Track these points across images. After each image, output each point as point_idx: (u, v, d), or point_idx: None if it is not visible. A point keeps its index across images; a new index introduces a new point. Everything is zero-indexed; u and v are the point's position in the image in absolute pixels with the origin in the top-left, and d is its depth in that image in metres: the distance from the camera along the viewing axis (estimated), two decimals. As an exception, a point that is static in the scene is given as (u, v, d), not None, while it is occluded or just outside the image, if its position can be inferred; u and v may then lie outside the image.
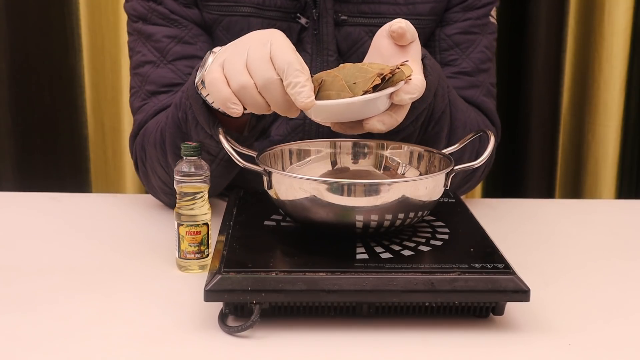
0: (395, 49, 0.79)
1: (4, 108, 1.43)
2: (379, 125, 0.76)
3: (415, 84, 0.75)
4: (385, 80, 0.73)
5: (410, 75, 0.74)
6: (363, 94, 0.72)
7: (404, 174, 0.87)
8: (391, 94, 0.74)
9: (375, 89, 0.73)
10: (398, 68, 0.73)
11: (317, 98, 0.74)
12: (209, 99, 0.80)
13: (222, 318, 0.69)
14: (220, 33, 1.00)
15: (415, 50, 0.80)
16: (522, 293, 0.69)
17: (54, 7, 1.41)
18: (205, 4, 0.99)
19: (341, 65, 0.76)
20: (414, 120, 0.87)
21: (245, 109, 0.76)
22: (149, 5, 0.99)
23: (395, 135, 0.88)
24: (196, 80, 0.81)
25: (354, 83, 0.73)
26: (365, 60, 0.82)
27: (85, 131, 1.48)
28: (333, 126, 0.79)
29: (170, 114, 0.90)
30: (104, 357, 0.65)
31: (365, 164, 0.89)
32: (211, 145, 0.86)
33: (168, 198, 1.01)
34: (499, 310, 0.71)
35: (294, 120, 1.00)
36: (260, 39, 0.74)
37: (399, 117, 0.77)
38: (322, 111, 0.74)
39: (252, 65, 0.73)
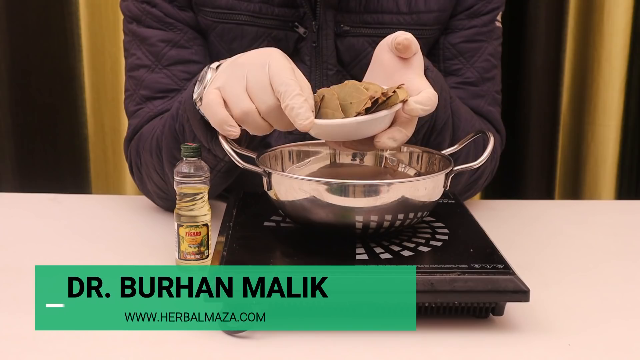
0: (398, 62, 0.77)
1: (4, 108, 1.43)
2: (389, 142, 0.75)
3: (428, 97, 0.74)
4: (379, 103, 0.72)
5: (406, 98, 0.73)
6: (356, 115, 0.72)
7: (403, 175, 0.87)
8: (402, 107, 0.73)
9: (369, 110, 0.72)
10: (394, 91, 0.73)
11: (317, 115, 0.74)
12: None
13: (222, 318, 0.69)
14: (214, 39, 0.99)
15: (418, 62, 0.78)
16: (521, 293, 0.69)
17: (54, 8, 1.41)
18: (200, 8, 0.98)
19: (345, 82, 0.76)
20: (415, 132, 0.87)
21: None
22: (143, 7, 0.98)
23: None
24: (195, 97, 0.80)
25: (350, 103, 0.73)
26: (367, 75, 0.81)
27: (85, 131, 1.47)
28: (344, 144, 0.79)
29: (167, 124, 0.89)
30: (105, 357, 0.65)
31: (364, 165, 0.89)
32: (209, 158, 0.86)
33: (164, 202, 1.01)
34: (498, 310, 0.72)
35: (294, 134, 1.00)
36: (258, 61, 0.74)
37: (409, 132, 0.76)
38: (320, 131, 0.74)
39: (253, 91, 0.73)
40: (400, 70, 0.77)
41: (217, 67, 0.80)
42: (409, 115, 0.74)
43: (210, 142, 0.82)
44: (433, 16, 1.00)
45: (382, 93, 0.72)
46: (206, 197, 0.80)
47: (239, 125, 0.75)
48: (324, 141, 0.90)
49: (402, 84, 0.75)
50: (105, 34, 1.43)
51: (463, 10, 1.02)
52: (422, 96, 0.74)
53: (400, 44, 0.76)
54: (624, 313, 0.76)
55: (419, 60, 0.78)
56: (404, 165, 0.87)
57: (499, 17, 1.05)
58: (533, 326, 0.72)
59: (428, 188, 0.75)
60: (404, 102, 0.73)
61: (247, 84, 0.73)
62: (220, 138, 0.79)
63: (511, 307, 0.73)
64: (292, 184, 0.75)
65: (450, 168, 0.78)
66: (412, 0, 0.98)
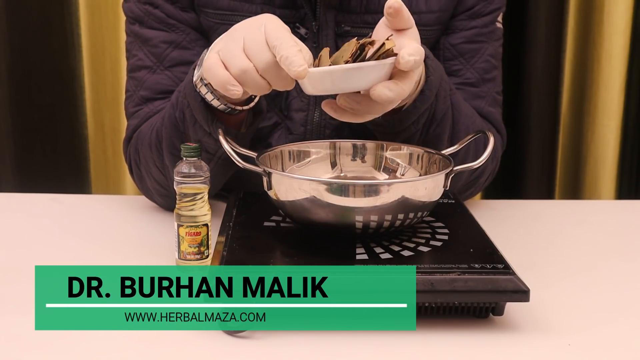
0: (394, 34, 0.77)
1: (4, 108, 1.43)
2: (385, 90, 0.73)
3: (415, 47, 0.74)
4: (367, 52, 0.72)
5: (392, 48, 0.73)
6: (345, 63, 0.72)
7: (403, 174, 0.87)
8: (396, 60, 0.73)
9: (357, 59, 0.72)
10: (383, 43, 0.73)
11: None
12: (208, 96, 0.80)
13: (222, 318, 0.69)
14: (215, 40, 0.99)
15: (413, 33, 0.78)
16: (521, 293, 0.69)
17: (54, 7, 1.41)
18: (202, 9, 0.98)
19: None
20: (415, 121, 0.87)
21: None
22: (145, 9, 0.98)
23: (397, 136, 0.88)
24: (194, 79, 0.81)
25: (342, 57, 0.73)
26: None
27: (85, 131, 1.47)
28: (338, 99, 0.78)
29: (167, 114, 0.90)
30: (105, 357, 0.65)
31: (364, 165, 0.89)
32: (209, 143, 0.86)
33: (163, 200, 1.01)
34: (498, 310, 0.72)
35: (294, 134, 1.00)
36: (254, 23, 0.75)
37: (406, 86, 0.75)
38: (313, 81, 0.73)
39: (250, 50, 0.74)
40: (395, 39, 0.77)
41: None
42: (404, 68, 0.73)
43: (211, 125, 0.82)
44: (434, 16, 0.99)
45: (370, 42, 0.73)
46: (206, 197, 0.80)
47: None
48: (323, 141, 0.90)
49: (390, 35, 0.76)
50: (105, 34, 1.43)
51: (464, 11, 1.02)
52: (409, 48, 0.73)
53: (390, 7, 0.76)
54: (624, 313, 0.76)
55: (413, 33, 0.78)
56: (404, 166, 0.87)
57: (499, 18, 1.04)
58: (533, 326, 0.72)
59: (428, 188, 0.75)
60: (395, 54, 0.73)
61: (244, 44, 0.74)
62: (220, 137, 0.79)
63: (511, 307, 0.73)
64: (292, 184, 0.75)
65: (450, 168, 0.78)
66: (412, 1, 0.98)
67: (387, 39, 0.74)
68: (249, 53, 0.74)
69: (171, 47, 0.98)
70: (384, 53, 0.73)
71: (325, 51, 0.76)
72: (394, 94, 0.74)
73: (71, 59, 1.43)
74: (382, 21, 0.79)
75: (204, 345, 0.67)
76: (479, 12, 1.02)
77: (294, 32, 0.97)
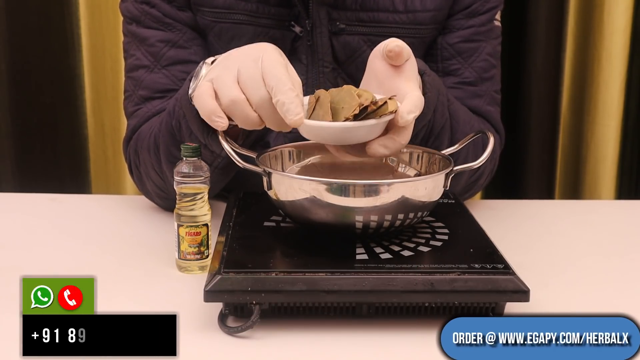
0: (390, 69, 0.77)
1: (4, 108, 1.43)
2: (381, 149, 0.75)
3: (413, 102, 0.74)
4: (368, 111, 0.72)
5: (395, 110, 0.73)
6: (344, 121, 0.73)
7: (403, 175, 0.87)
8: (394, 117, 0.74)
9: (357, 117, 0.72)
10: (385, 102, 0.73)
11: (310, 115, 0.74)
12: None
13: (222, 318, 0.69)
14: (212, 39, 0.99)
15: (410, 68, 0.78)
16: (521, 293, 0.69)
17: (54, 7, 1.41)
18: (198, 8, 0.98)
19: (343, 86, 0.75)
20: (413, 137, 0.87)
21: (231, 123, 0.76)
22: (142, 8, 0.98)
23: None
24: (190, 92, 0.80)
25: (342, 108, 0.73)
26: (362, 83, 0.81)
27: (85, 131, 1.48)
28: (338, 148, 0.79)
29: (164, 121, 0.89)
30: (104, 357, 0.65)
31: (364, 165, 0.89)
32: (206, 154, 0.86)
33: (163, 201, 1.01)
34: (498, 310, 0.72)
35: (293, 132, 1.00)
36: (251, 54, 0.74)
37: (403, 139, 0.76)
38: (309, 131, 0.74)
39: (245, 83, 0.73)
40: (391, 77, 0.77)
41: (213, 62, 0.80)
42: (402, 125, 0.74)
43: (206, 137, 0.82)
44: (429, 15, 0.99)
45: (373, 102, 0.73)
46: (206, 197, 0.80)
47: (230, 120, 0.75)
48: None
49: (394, 95, 0.75)
50: (105, 34, 1.43)
51: (461, 10, 1.01)
52: (407, 103, 0.74)
53: (391, 51, 0.76)
54: (624, 313, 0.76)
55: (410, 66, 0.78)
56: (404, 166, 0.87)
57: (497, 16, 1.04)
58: (533, 326, 0.72)
59: (428, 188, 0.75)
60: (394, 112, 0.73)
61: (239, 76, 0.74)
62: (220, 137, 0.79)
63: (511, 307, 0.73)
64: (292, 184, 0.75)
65: (450, 168, 0.78)
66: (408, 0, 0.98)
67: (390, 99, 0.74)
68: (243, 86, 0.73)
69: (168, 46, 0.98)
70: (385, 113, 0.73)
71: (324, 95, 0.75)
72: (389, 151, 0.76)
73: (71, 59, 1.44)
74: (378, 51, 0.79)
75: (204, 346, 0.67)
76: (476, 11, 1.02)
77: (289, 30, 0.97)
